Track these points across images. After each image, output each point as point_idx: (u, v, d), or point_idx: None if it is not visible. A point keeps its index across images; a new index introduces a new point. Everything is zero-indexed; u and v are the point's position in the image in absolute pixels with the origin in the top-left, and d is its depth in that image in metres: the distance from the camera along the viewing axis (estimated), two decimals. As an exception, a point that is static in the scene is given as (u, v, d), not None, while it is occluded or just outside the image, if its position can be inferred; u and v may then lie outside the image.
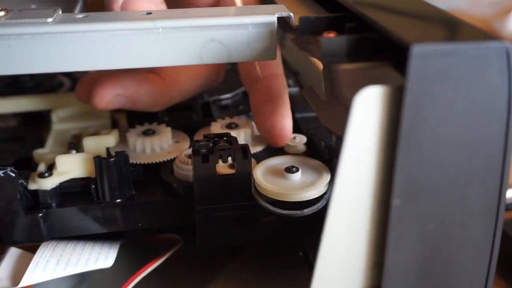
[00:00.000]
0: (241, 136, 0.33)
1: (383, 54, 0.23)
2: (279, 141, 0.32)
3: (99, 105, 0.31)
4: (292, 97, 0.37)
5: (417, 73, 0.20)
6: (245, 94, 0.40)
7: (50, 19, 0.26)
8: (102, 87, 0.31)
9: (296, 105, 0.37)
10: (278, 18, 0.27)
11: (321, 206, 0.27)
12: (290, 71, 0.44)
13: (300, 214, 0.27)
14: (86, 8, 0.31)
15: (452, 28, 0.23)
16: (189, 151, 0.31)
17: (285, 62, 0.45)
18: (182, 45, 0.26)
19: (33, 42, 0.26)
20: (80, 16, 0.27)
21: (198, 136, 0.34)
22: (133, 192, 0.30)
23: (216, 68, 0.35)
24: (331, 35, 0.24)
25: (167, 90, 0.33)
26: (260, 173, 0.29)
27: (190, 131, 0.35)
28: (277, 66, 0.33)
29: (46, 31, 0.26)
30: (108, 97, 0.31)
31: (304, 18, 0.26)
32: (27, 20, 0.26)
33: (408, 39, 0.20)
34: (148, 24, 0.26)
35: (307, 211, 0.27)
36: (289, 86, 0.40)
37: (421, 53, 0.20)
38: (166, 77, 0.33)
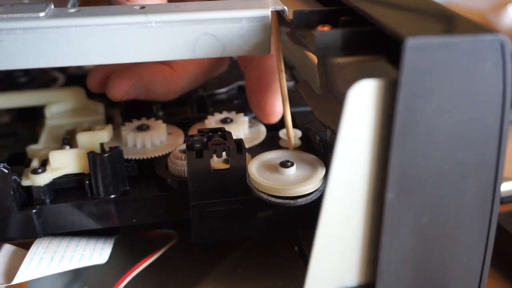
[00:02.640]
0: (236, 131, 0.33)
1: (377, 48, 0.23)
2: (270, 117, 0.33)
3: (116, 96, 0.33)
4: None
5: (412, 66, 0.20)
6: (240, 89, 0.40)
7: (42, 14, 0.26)
8: (118, 78, 0.33)
9: (291, 99, 0.37)
10: (272, 11, 0.27)
11: (315, 197, 0.27)
12: (285, 65, 0.44)
13: (293, 204, 0.27)
14: (79, 2, 0.31)
15: (447, 21, 0.23)
16: (184, 146, 0.31)
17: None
18: (175, 39, 0.26)
19: (25, 37, 0.25)
20: (72, 10, 0.27)
21: (193, 131, 0.34)
22: (127, 187, 0.30)
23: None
24: (325, 28, 0.24)
25: (178, 79, 0.34)
26: (254, 168, 0.29)
27: (184, 126, 0.34)
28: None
29: (38, 26, 0.25)
30: (125, 88, 0.33)
31: (298, 11, 0.26)
32: (19, 15, 0.26)
33: (402, 32, 0.20)
34: (141, 18, 0.26)
35: (301, 201, 0.27)
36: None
37: (416, 46, 0.20)
38: (176, 67, 0.34)
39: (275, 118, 0.33)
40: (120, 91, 0.33)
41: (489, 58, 0.20)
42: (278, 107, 0.33)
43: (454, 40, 0.20)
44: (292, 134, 0.31)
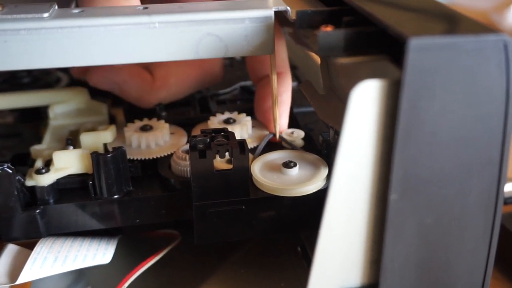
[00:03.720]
0: (239, 131, 0.33)
1: (380, 48, 0.23)
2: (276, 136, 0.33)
3: (91, 81, 0.35)
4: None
5: (415, 66, 0.20)
6: (242, 89, 0.40)
7: (46, 14, 0.26)
8: (98, 67, 0.34)
9: (294, 99, 0.37)
10: (275, 12, 0.27)
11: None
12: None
13: None
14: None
15: (450, 21, 0.23)
16: (187, 146, 0.31)
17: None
18: (178, 39, 0.26)
19: (29, 37, 0.26)
20: (76, 11, 0.27)
21: (196, 131, 0.34)
22: (131, 188, 0.30)
23: (211, 69, 0.36)
24: (328, 29, 0.24)
25: (155, 90, 0.35)
26: (257, 168, 0.29)
27: (187, 126, 0.34)
28: (282, 64, 0.33)
29: (42, 27, 0.26)
30: (98, 77, 0.34)
31: (301, 12, 0.26)
32: (22, 16, 0.26)
33: (405, 32, 0.20)
34: (144, 19, 0.26)
35: None
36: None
37: (419, 46, 0.20)
38: (157, 77, 0.35)
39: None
40: (94, 77, 0.34)
41: (493, 58, 0.20)
42: (282, 127, 0.33)
43: (457, 40, 0.20)
44: (279, 129, 0.32)
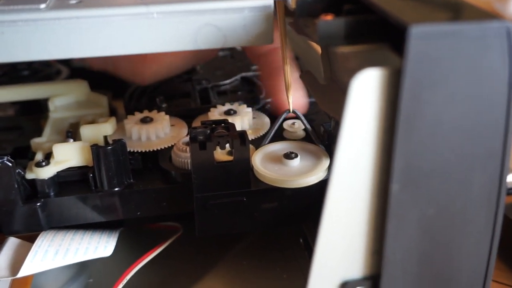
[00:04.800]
0: (239, 122, 0.32)
1: (381, 36, 0.22)
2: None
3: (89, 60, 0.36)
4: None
5: (416, 55, 0.19)
6: (243, 80, 0.39)
7: (43, 5, 0.26)
8: None
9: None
10: (274, 1, 0.27)
11: None
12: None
13: None
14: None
15: (452, 8, 0.22)
16: (187, 138, 0.30)
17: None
18: (177, 30, 0.26)
19: (26, 29, 0.25)
20: (73, 1, 0.26)
21: (196, 123, 0.34)
22: (131, 180, 0.30)
23: None
24: (329, 17, 0.23)
25: (147, 63, 0.34)
26: (258, 159, 0.29)
27: (188, 118, 0.34)
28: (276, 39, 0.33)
29: (40, 18, 0.25)
30: None
31: (301, 0, 0.26)
32: (20, 7, 0.25)
33: (406, 20, 0.20)
34: (142, 9, 0.26)
35: None
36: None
37: (420, 34, 0.19)
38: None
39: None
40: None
41: (495, 45, 0.20)
42: (284, 105, 0.32)
43: (459, 28, 0.20)
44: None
